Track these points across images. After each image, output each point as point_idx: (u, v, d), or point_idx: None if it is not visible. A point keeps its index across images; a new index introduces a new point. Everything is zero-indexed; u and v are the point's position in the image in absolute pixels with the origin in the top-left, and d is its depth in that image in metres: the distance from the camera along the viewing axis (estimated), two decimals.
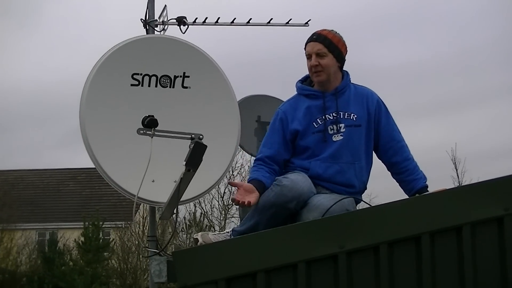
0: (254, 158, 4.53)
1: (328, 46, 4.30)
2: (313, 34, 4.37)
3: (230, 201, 21.94)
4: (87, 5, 39.71)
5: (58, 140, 44.89)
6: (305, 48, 4.37)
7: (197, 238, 4.25)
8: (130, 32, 5.74)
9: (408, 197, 4.25)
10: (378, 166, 4.46)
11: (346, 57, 4.41)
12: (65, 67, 39.92)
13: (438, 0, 38.66)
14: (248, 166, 21.70)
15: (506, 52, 37.96)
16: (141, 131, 4.88)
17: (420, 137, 29.78)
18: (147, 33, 6.12)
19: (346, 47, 4.39)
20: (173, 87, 5.64)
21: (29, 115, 43.42)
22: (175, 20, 6.20)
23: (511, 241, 3.49)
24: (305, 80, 4.46)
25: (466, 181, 18.40)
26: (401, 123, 4.48)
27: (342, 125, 4.27)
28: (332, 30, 4.38)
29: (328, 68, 4.29)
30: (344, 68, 4.42)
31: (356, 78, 4.46)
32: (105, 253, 21.44)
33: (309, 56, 4.33)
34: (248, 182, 4.22)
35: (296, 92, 4.45)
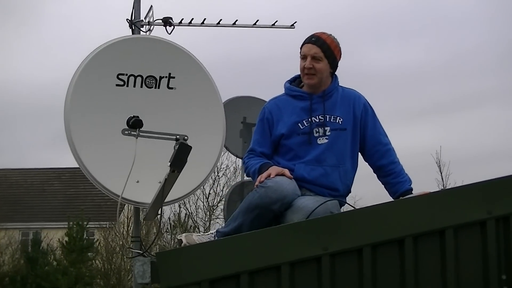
0: (239, 159, 4.53)
1: (325, 51, 4.28)
2: (312, 36, 4.33)
3: (214, 202, 21.98)
4: (85, 4, 39.45)
5: (44, 140, 44.64)
6: (301, 48, 4.34)
7: (181, 239, 4.24)
8: (123, 33, 5.75)
9: (392, 199, 4.27)
10: (363, 169, 4.47)
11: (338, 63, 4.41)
12: (59, 66, 39.75)
13: (428, 4, 38.80)
14: (233, 167, 21.71)
15: (494, 58, 38.17)
16: (126, 132, 4.87)
17: (408, 141, 29.86)
18: (133, 33, 6.11)
19: (341, 54, 4.39)
20: (159, 87, 5.63)
21: (19, 114, 43.14)
22: (161, 21, 6.20)
23: (494, 244, 3.51)
24: (293, 81, 4.46)
25: (451, 184, 18.46)
26: (390, 126, 4.50)
27: (328, 128, 4.27)
28: (331, 35, 4.36)
29: (321, 72, 4.29)
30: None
31: (343, 81, 4.48)
32: (89, 254, 21.31)
33: (304, 57, 4.31)
34: (261, 165, 4.23)
35: (283, 92, 4.45)
